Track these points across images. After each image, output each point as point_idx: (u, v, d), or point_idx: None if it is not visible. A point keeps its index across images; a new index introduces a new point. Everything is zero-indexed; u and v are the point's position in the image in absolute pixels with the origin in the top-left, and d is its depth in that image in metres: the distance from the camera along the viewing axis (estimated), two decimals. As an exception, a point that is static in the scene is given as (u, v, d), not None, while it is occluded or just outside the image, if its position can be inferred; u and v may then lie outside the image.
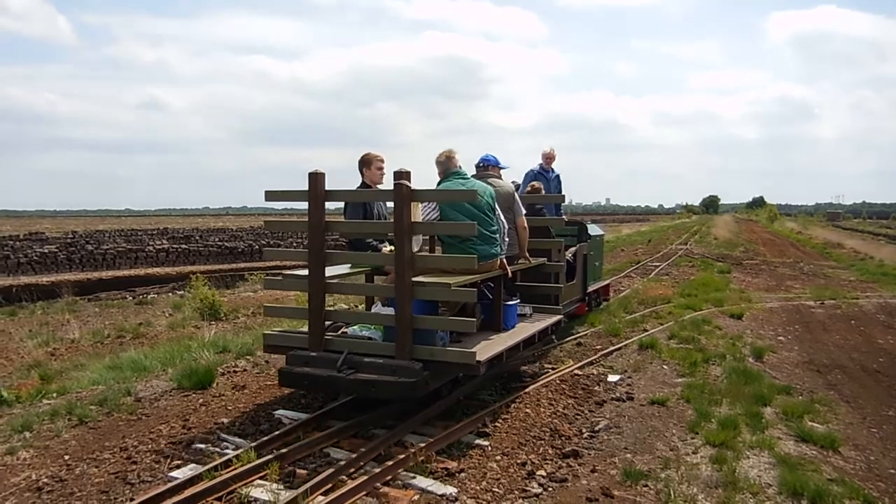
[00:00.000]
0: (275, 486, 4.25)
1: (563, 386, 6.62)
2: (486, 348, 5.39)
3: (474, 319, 4.97)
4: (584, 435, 5.33)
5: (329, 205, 5.40)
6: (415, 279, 5.14)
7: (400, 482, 4.38)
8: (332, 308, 5.48)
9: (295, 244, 32.39)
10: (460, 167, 5.91)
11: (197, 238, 31.82)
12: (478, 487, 4.33)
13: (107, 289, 22.21)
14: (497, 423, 5.45)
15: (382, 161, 6.33)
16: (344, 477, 4.38)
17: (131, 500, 4.13)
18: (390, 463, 4.51)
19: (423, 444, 4.80)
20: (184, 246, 31.15)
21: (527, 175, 10.20)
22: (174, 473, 4.52)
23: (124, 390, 6.33)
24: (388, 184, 6.15)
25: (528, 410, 5.81)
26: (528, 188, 8.94)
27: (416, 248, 5.25)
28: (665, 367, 7.45)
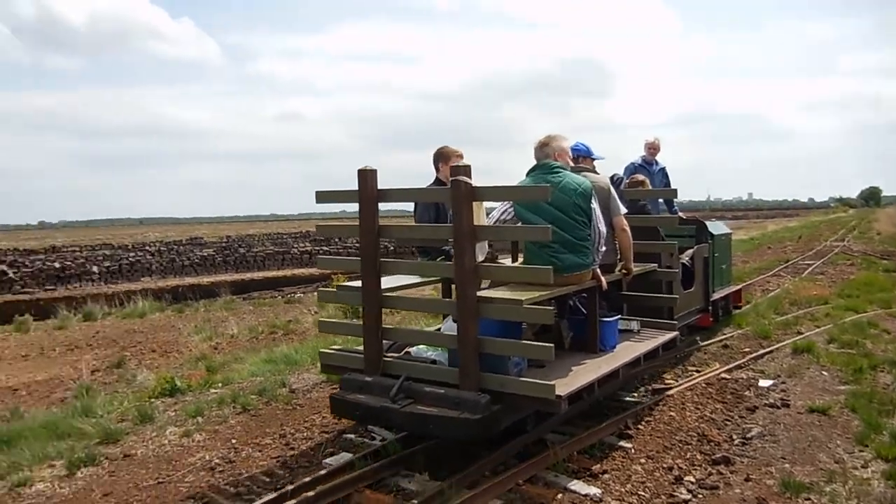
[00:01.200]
0: (421, 477, 4.38)
1: (710, 390, 6.29)
2: (572, 378, 4.45)
3: (551, 346, 4.03)
4: (736, 441, 5.07)
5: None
6: (480, 294, 4.28)
7: (542, 480, 4.38)
8: (389, 326, 4.73)
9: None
10: (558, 158, 4.95)
11: (336, 241, 32.81)
12: (622, 490, 4.25)
13: (259, 288, 24.16)
14: (640, 426, 5.30)
15: (461, 157, 5.52)
16: (487, 472, 4.42)
17: (291, 482, 4.31)
18: (532, 461, 4.51)
19: (564, 444, 4.76)
20: (325, 248, 32.27)
21: (627, 168, 9.05)
22: (328, 460, 4.74)
23: (279, 382, 6.81)
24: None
25: (672, 414, 5.59)
26: (628, 181, 7.78)
27: (480, 257, 4.39)
28: (825, 372, 6.82)
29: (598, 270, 5.03)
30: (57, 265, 23.85)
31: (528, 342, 4.14)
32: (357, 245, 4.61)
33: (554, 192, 4.68)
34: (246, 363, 8.16)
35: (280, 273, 27.05)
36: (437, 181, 5.58)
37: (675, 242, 6.24)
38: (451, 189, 4.23)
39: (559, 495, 4.15)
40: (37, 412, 6.70)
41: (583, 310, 5.31)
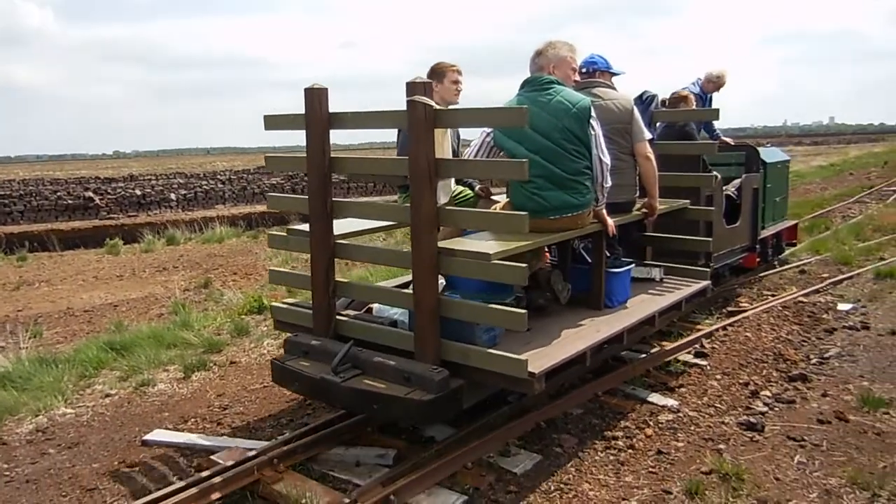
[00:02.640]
0: None
1: (787, 312, 6.32)
2: (556, 348, 3.61)
3: (522, 313, 3.19)
4: (813, 361, 5.13)
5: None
6: (441, 244, 3.45)
7: (621, 392, 4.57)
8: (343, 280, 3.94)
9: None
10: (555, 71, 3.98)
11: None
12: (699, 402, 4.41)
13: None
14: (715, 345, 5.44)
15: (459, 73, 4.57)
16: (566, 384, 4.47)
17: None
18: (611, 374, 4.68)
19: (640, 361, 4.94)
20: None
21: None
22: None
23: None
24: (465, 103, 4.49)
25: (748, 334, 5.69)
26: (672, 98, 6.66)
27: (443, 199, 3.53)
28: (908, 297, 6.62)
29: (604, 211, 4.11)
30: (138, 192, 24.55)
31: (493, 306, 3.30)
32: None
33: (540, 114, 3.75)
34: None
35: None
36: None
37: (713, 174, 5.21)
38: (407, 112, 3.34)
39: (637, 405, 4.37)
40: (140, 325, 7.10)
41: (586, 258, 4.43)
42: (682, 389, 4.59)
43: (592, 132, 3.86)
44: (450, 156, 3.50)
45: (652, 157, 4.54)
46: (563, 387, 4.43)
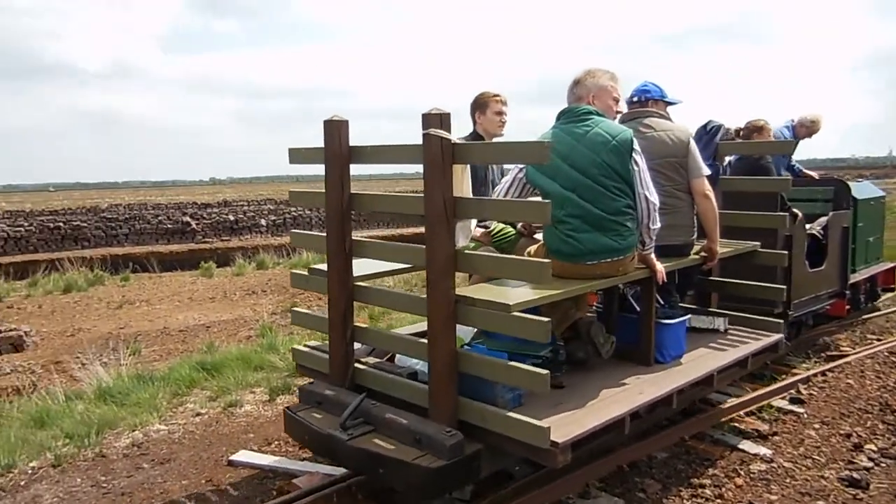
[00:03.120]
0: None
1: (894, 359, 5.90)
2: (588, 413, 3.19)
3: (544, 374, 2.80)
4: None
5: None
6: (460, 292, 3.11)
7: (709, 437, 4.37)
8: (362, 325, 3.65)
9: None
10: (594, 101, 3.62)
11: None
12: (795, 452, 4.15)
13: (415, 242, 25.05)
14: (813, 392, 5.16)
15: (503, 103, 4.29)
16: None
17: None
18: (698, 417, 4.50)
19: (730, 404, 4.73)
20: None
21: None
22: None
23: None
24: (511, 136, 4.20)
25: (850, 381, 5.37)
26: (746, 127, 6.11)
27: (461, 242, 3.20)
28: None
29: (652, 255, 3.68)
30: (231, 217, 26.07)
31: (513, 364, 2.92)
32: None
33: (576, 148, 3.39)
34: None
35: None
36: (475, 135, 4.38)
37: (788, 213, 4.67)
38: (423, 146, 3.05)
39: (727, 452, 4.14)
40: (229, 347, 7.36)
41: (635, 306, 4.00)
42: (777, 438, 4.34)
43: (636, 167, 3.45)
44: (469, 194, 3.17)
45: (711, 195, 4.08)
46: (648, 429, 4.24)
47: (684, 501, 3.61)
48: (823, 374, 5.50)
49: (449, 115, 3.02)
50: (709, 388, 4.04)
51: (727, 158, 6.32)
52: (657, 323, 3.87)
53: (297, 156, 3.82)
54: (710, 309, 4.82)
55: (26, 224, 23.13)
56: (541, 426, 2.85)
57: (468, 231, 3.24)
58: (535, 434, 2.86)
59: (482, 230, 4.14)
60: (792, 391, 5.13)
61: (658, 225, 3.58)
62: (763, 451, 4.14)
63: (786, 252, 4.66)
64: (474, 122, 4.33)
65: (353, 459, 3.16)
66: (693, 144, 4.07)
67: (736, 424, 4.54)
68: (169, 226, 24.47)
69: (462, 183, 3.14)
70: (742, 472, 3.88)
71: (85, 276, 16.12)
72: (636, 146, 3.47)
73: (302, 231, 3.81)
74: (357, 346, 3.70)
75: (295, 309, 4.03)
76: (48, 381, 7.12)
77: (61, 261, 17.97)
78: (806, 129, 7.28)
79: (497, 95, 4.24)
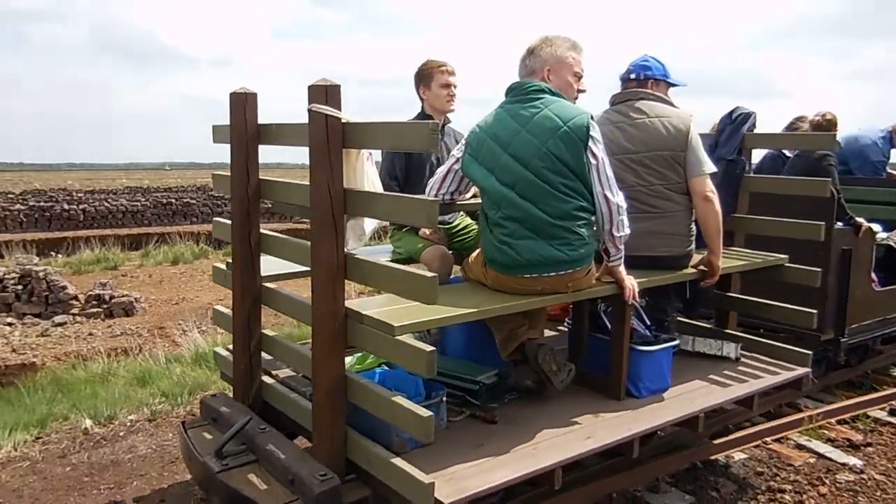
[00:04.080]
0: None
1: None
2: (509, 462, 2.56)
3: (429, 416, 2.20)
4: None
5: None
6: (350, 306, 2.54)
7: (793, 442, 4.15)
8: (269, 332, 3.12)
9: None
10: (550, 76, 2.94)
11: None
12: (889, 465, 3.91)
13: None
14: None
15: (450, 73, 3.66)
16: (730, 426, 4.24)
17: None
18: (782, 421, 4.32)
19: (820, 410, 4.53)
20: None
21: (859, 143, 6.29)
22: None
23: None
24: (461, 113, 3.63)
25: None
26: (813, 122, 5.21)
27: (352, 244, 2.61)
28: None
29: (621, 268, 2.99)
30: None
31: (397, 400, 2.33)
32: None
33: (519, 134, 2.75)
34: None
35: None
36: (422, 115, 3.78)
37: (818, 224, 3.82)
38: (309, 126, 2.49)
39: (812, 459, 3.93)
40: None
41: (608, 325, 3.31)
42: (870, 449, 4.09)
43: (593, 161, 2.76)
44: (367, 186, 2.58)
45: (714, 197, 3.31)
46: (726, 428, 4.18)
47: None
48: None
49: (338, 87, 2.45)
50: (693, 432, 3.30)
51: (788, 154, 5.46)
52: (632, 349, 3.18)
53: (219, 134, 3.32)
54: (728, 331, 4.05)
55: (143, 199, 24.74)
56: (420, 481, 2.25)
57: (361, 231, 2.65)
58: (415, 490, 2.27)
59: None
60: (893, 402, 4.80)
61: (626, 232, 2.89)
62: (853, 461, 3.88)
63: (819, 270, 3.80)
64: (421, 100, 3.72)
65: (219, 497, 2.65)
66: (694, 136, 3.31)
67: (825, 432, 4.29)
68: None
69: (357, 172, 2.55)
70: (827, 481, 3.65)
71: (191, 250, 17.10)
72: (595, 133, 2.77)
73: (222, 220, 3.30)
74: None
75: (217, 307, 3.54)
76: (152, 344, 7.82)
77: (171, 234, 19.00)
78: None
79: (443, 65, 3.60)
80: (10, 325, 9.55)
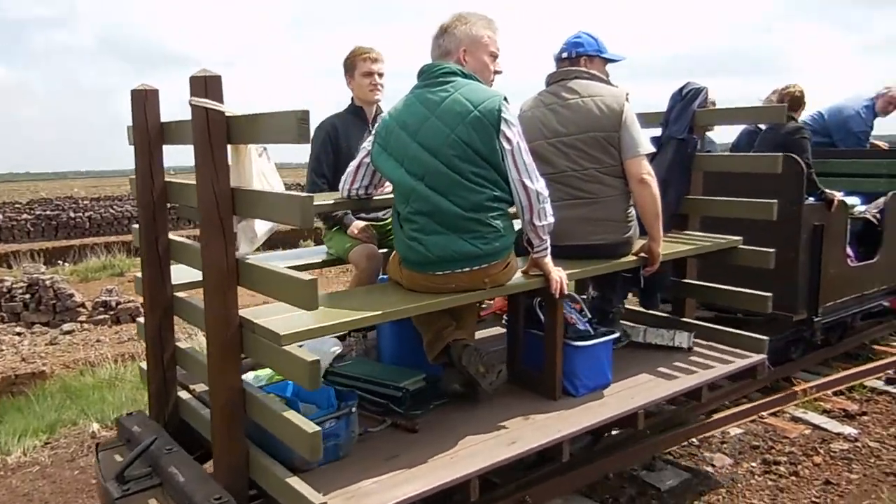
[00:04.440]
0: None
1: None
2: (412, 478, 2.40)
3: (315, 431, 2.04)
4: None
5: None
6: (243, 315, 2.38)
7: (788, 415, 4.21)
8: (182, 344, 2.96)
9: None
10: (466, 58, 2.75)
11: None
12: (884, 433, 3.96)
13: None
14: None
15: (374, 60, 3.48)
16: (727, 402, 4.28)
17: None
18: (776, 396, 4.38)
19: (815, 383, 4.61)
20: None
21: (840, 113, 6.13)
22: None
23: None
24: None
25: None
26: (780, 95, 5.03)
27: (245, 247, 2.45)
28: None
29: (547, 259, 2.82)
30: None
31: (287, 414, 2.17)
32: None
33: (428, 120, 2.57)
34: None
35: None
36: (352, 106, 3.61)
37: (770, 202, 3.62)
38: (192, 120, 2.33)
39: (808, 430, 3.98)
40: None
41: (541, 319, 3.14)
42: (865, 418, 4.16)
43: (507, 146, 2.58)
44: (261, 184, 2.40)
45: (651, 179, 3.12)
46: (723, 404, 4.25)
47: (756, 477, 3.46)
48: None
49: (218, 77, 2.28)
50: (633, 429, 3.13)
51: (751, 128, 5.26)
52: (566, 344, 3.01)
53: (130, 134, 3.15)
54: (684, 320, 3.88)
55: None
56: (312, 501, 2.08)
57: (252, 234, 2.48)
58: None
59: (361, 223, 3.38)
60: (889, 371, 4.87)
61: (548, 221, 2.71)
62: (848, 430, 3.96)
63: (772, 251, 3.61)
64: (352, 91, 3.55)
65: (115, 522, 2.49)
66: (629, 115, 3.12)
67: (822, 404, 4.36)
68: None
69: (246, 169, 2.38)
70: (822, 451, 3.72)
71: (198, 256, 17.30)
72: (508, 116, 2.59)
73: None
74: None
75: (139, 319, 3.38)
76: None
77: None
78: (883, 99, 6.10)
79: (366, 52, 3.42)
80: (19, 334, 9.58)
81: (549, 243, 2.79)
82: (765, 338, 3.55)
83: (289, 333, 2.17)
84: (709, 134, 5.22)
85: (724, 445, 3.81)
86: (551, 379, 2.99)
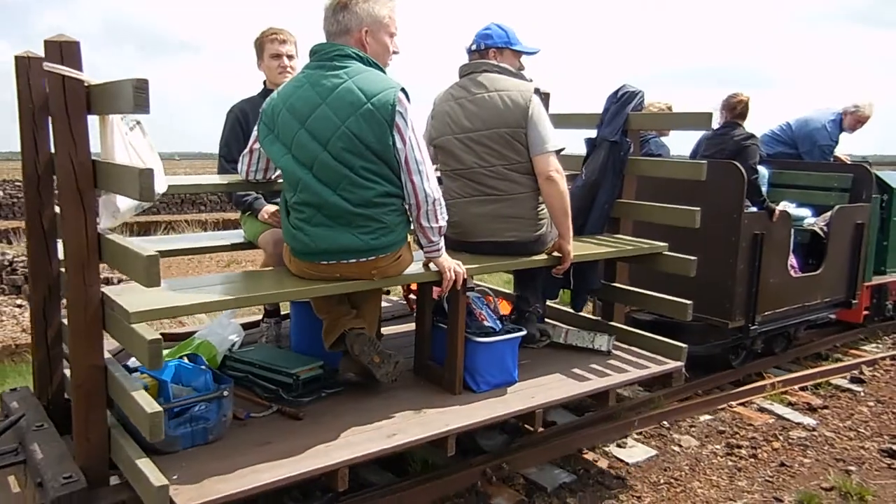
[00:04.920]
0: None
1: None
2: (279, 466, 2.31)
3: (157, 412, 1.95)
4: None
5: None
6: (106, 292, 2.29)
7: (755, 405, 4.42)
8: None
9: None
10: (367, 39, 2.61)
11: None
12: (841, 425, 4.18)
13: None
14: (877, 374, 5.13)
15: (283, 41, 3.37)
16: (700, 391, 4.57)
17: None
18: (746, 388, 4.62)
19: (783, 378, 4.81)
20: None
21: (815, 127, 6.13)
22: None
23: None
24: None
25: None
26: (728, 103, 4.99)
27: (105, 222, 2.35)
28: None
29: (442, 258, 2.73)
30: None
31: (136, 395, 2.08)
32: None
33: (319, 108, 2.47)
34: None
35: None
36: (264, 90, 3.52)
37: (694, 210, 3.53)
38: (48, 90, 2.24)
39: (771, 419, 4.20)
40: None
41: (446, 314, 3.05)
42: (826, 411, 4.40)
43: (400, 144, 2.48)
44: (128, 157, 2.30)
45: (559, 177, 3.01)
46: (696, 392, 4.53)
47: (718, 458, 3.69)
48: (894, 358, 5.43)
49: (77, 44, 2.19)
50: (530, 428, 3.06)
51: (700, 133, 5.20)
52: (468, 340, 2.92)
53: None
54: (610, 323, 3.80)
55: (153, 190, 25.21)
56: (153, 483, 1.99)
57: (114, 208, 2.38)
58: (149, 493, 2.01)
59: (272, 207, 3.29)
60: (855, 371, 5.07)
61: (440, 223, 2.62)
62: (808, 420, 4.19)
63: (694, 259, 3.52)
64: (263, 73, 3.46)
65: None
66: (536, 110, 3.00)
67: (788, 397, 4.57)
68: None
69: (108, 141, 2.28)
70: (781, 437, 3.95)
71: (200, 238, 17.25)
72: (403, 110, 2.46)
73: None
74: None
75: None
76: (158, 324, 8.18)
77: (178, 223, 18.47)
78: (851, 116, 6.07)
79: (275, 33, 3.31)
80: (20, 306, 9.58)
81: (441, 244, 2.70)
82: (683, 345, 3.47)
83: (138, 311, 2.07)
84: (665, 140, 5.17)
85: (693, 429, 4.04)
86: (452, 373, 2.91)
